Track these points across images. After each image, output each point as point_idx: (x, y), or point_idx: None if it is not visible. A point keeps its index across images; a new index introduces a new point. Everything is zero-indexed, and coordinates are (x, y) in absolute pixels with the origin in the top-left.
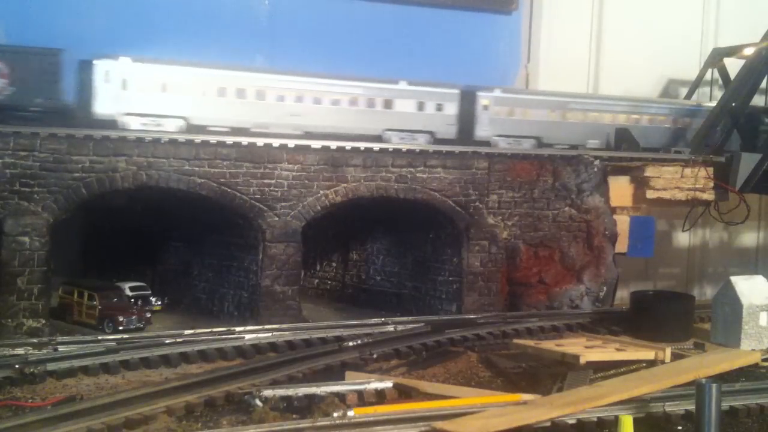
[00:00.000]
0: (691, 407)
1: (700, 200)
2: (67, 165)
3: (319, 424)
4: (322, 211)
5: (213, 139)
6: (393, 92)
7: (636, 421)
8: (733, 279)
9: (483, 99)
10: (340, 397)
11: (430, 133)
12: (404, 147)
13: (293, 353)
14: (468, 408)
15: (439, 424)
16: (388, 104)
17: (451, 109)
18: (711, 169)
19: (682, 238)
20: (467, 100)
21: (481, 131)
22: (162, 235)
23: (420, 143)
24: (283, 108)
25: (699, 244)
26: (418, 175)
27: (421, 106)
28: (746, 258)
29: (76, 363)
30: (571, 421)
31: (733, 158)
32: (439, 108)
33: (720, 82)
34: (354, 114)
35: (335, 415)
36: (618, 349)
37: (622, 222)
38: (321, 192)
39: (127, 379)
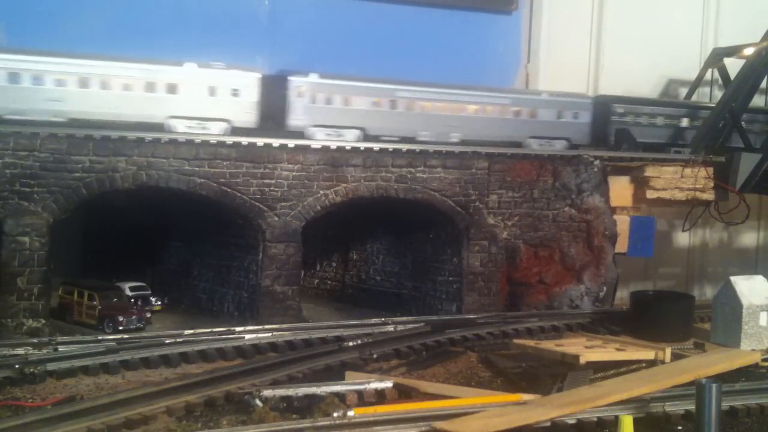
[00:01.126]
0: (691, 407)
1: (700, 200)
2: (67, 165)
3: (319, 424)
4: (322, 211)
5: (213, 139)
6: (177, 76)
7: (636, 421)
8: (733, 279)
9: (297, 85)
10: (340, 397)
11: (226, 121)
12: (404, 147)
13: (293, 353)
14: (468, 408)
15: (439, 424)
16: (172, 89)
17: (251, 95)
18: (711, 169)
19: (682, 238)
20: (276, 85)
21: (295, 120)
22: (162, 235)
23: (213, 132)
24: (40, 92)
25: (699, 244)
26: (418, 175)
27: (212, 92)
28: (746, 258)
29: (76, 363)
30: (571, 421)
31: (733, 158)
32: (236, 93)
33: (720, 82)
34: (129, 100)
35: (335, 415)
36: (618, 349)
37: (622, 222)
38: (321, 192)
39: (127, 379)
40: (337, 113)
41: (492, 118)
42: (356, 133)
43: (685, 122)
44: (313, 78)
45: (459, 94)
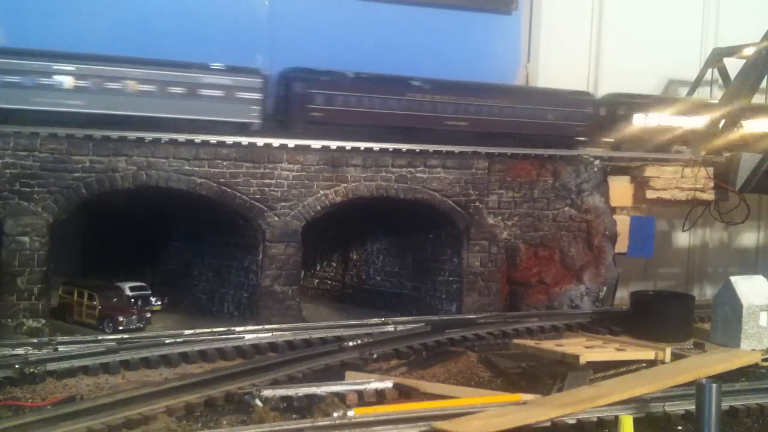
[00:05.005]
0: (691, 407)
1: (700, 200)
2: (67, 165)
3: (319, 424)
4: (322, 211)
5: (213, 139)
6: None
7: (636, 421)
8: (733, 279)
9: None
10: (340, 397)
11: None
12: (404, 147)
13: (293, 353)
14: (468, 408)
15: (439, 424)
16: None
17: None
18: (711, 169)
19: (682, 238)
20: None
21: None
22: (162, 235)
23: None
24: None
25: (699, 244)
26: (418, 175)
27: None
28: (746, 258)
29: (76, 363)
30: (571, 421)
31: (733, 158)
32: None
33: (720, 81)
34: None
35: (335, 415)
36: (618, 349)
37: (622, 222)
38: (321, 192)
39: (127, 379)
40: None
41: None
42: None
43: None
44: None
45: None
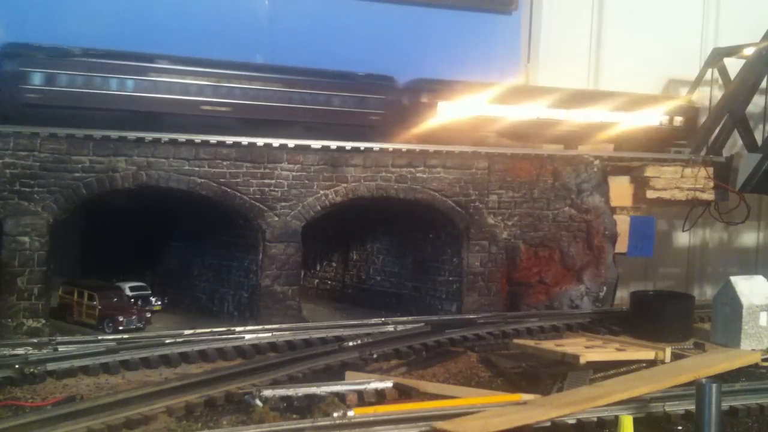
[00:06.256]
0: (691, 407)
1: (700, 200)
2: (67, 165)
3: (319, 424)
4: (322, 211)
5: (213, 139)
6: None
7: (636, 421)
8: (733, 279)
9: None
10: (340, 397)
11: None
12: (404, 147)
13: (293, 353)
14: (468, 408)
15: (439, 424)
16: None
17: None
18: (711, 169)
19: (682, 238)
20: None
21: None
22: (162, 235)
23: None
24: None
25: (699, 244)
26: (418, 175)
27: None
28: (746, 258)
29: (76, 363)
30: (571, 421)
31: (733, 158)
32: None
33: (720, 81)
34: None
35: (335, 415)
36: (618, 349)
37: (622, 222)
38: (321, 192)
39: (127, 379)
40: None
41: None
42: None
43: None
44: None
45: None
